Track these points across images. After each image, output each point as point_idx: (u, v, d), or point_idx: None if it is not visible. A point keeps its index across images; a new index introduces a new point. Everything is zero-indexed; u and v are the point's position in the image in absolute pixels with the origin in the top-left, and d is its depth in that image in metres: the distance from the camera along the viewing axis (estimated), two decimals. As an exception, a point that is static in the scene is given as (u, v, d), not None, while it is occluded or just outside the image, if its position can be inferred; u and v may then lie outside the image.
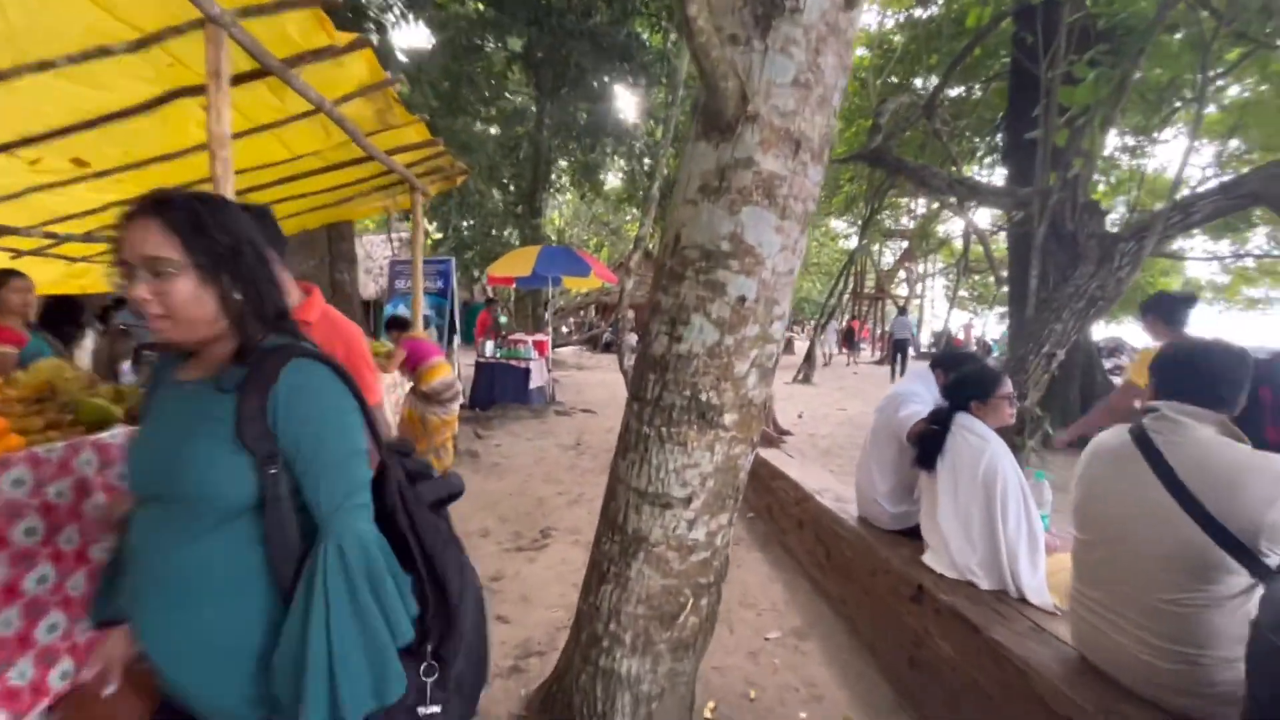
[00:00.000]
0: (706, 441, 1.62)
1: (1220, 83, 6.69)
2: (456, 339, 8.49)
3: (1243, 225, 9.66)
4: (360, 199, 5.60)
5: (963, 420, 2.44)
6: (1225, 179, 5.01)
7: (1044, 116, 5.60)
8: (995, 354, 22.92)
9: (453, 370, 5.23)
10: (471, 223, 11.75)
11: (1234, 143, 8.93)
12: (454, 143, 10.29)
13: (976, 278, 25.40)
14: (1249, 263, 11.88)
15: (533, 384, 8.88)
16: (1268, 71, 6.63)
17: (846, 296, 28.07)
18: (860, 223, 20.73)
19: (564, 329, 31.90)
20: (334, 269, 7.09)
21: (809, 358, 14.11)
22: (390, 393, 4.87)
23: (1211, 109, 9.77)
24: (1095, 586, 1.73)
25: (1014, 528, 2.25)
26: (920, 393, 2.89)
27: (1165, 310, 3.30)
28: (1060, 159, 5.64)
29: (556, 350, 23.01)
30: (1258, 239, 10.62)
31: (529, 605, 3.08)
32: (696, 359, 1.58)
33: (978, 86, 9.74)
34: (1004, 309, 26.24)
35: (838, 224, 26.33)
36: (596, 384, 12.75)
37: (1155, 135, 8.82)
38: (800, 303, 40.61)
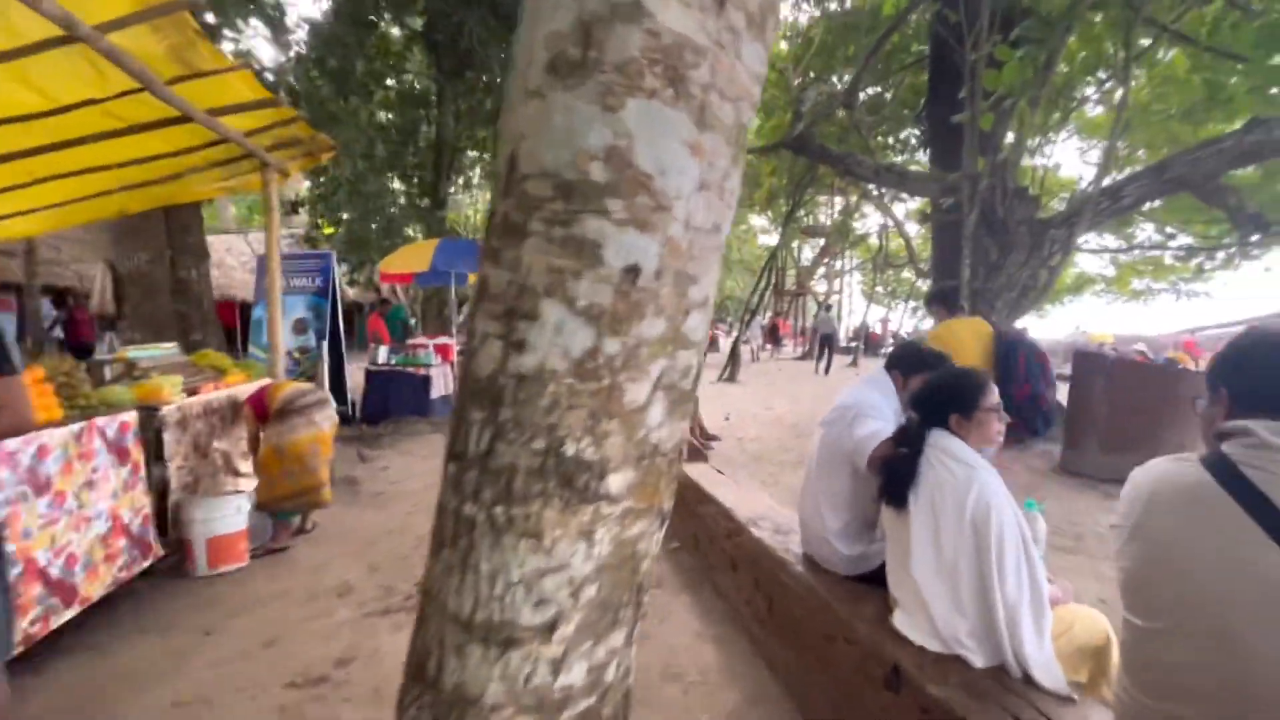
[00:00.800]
0: (579, 525, 0.92)
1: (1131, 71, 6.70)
2: (341, 345, 7.41)
3: (1137, 218, 10.06)
4: (195, 176, 4.52)
5: (940, 440, 1.88)
6: (1152, 164, 4.85)
7: (969, 100, 5.29)
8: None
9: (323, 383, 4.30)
10: (364, 216, 10.52)
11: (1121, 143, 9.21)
12: (344, 125, 9.13)
13: (890, 273, 26.26)
14: (1136, 255, 12.54)
15: (435, 393, 7.91)
16: (1152, 73, 6.75)
17: (769, 293, 28.35)
18: (782, 218, 20.82)
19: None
20: (177, 266, 5.87)
21: (734, 355, 13.78)
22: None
23: (1100, 110, 10.13)
24: (1183, 701, 1.15)
25: (1014, 585, 1.69)
26: (877, 403, 2.32)
27: (947, 299, 3.98)
28: (988, 144, 5.38)
29: None
30: (1146, 232, 11.14)
31: (380, 705, 2.28)
32: (554, 382, 0.88)
33: (893, 80, 9.63)
34: (919, 303, 27.14)
35: (758, 220, 26.50)
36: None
37: (1052, 136, 8.94)
38: (723, 302, 40.94)
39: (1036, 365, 3.38)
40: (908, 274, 25.95)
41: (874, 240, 21.81)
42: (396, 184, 12.81)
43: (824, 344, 15.98)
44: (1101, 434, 5.23)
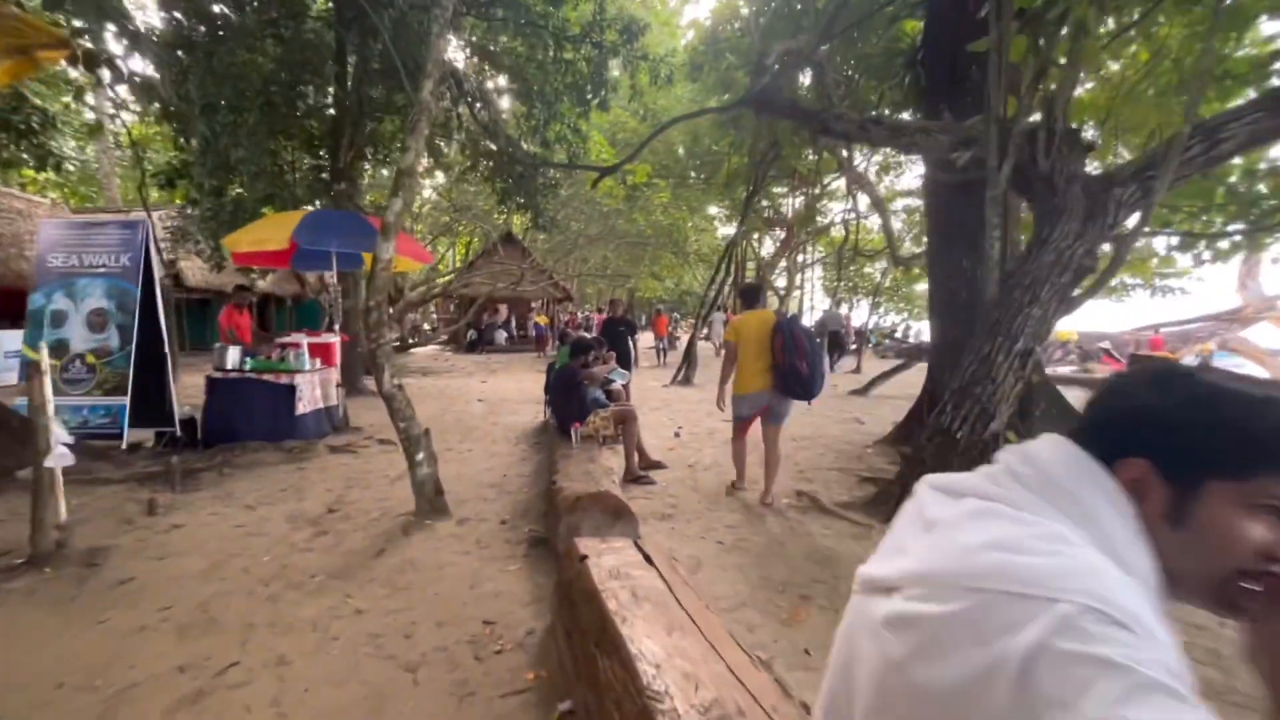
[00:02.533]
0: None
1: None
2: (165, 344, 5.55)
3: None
4: None
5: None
6: (1263, 95, 3.48)
7: (993, 16, 3.84)
8: (872, 344, 22.79)
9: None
10: (232, 187, 8.54)
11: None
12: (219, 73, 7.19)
13: (853, 268, 25.28)
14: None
15: (303, 407, 6.13)
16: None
17: (728, 287, 27.06)
18: (742, 203, 19.53)
19: (426, 326, 28.30)
20: None
21: (690, 355, 12.29)
22: None
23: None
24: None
25: None
26: (1062, 538, 0.76)
27: (749, 296, 4.93)
28: (1014, 82, 3.97)
29: (411, 352, 19.73)
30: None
31: None
32: None
33: (875, 37, 8.22)
34: (877, 297, 26.18)
35: (716, 210, 25.12)
36: (438, 394, 10.07)
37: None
38: (681, 296, 39.62)
39: (791, 343, 4.22)
40: (871, 268, 25.03)
41: (837, 232, 20.68)
42: (304, 157, 10.84)
43: (832, 341, 14.97)
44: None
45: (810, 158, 15.58)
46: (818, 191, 17.51)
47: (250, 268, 12.55)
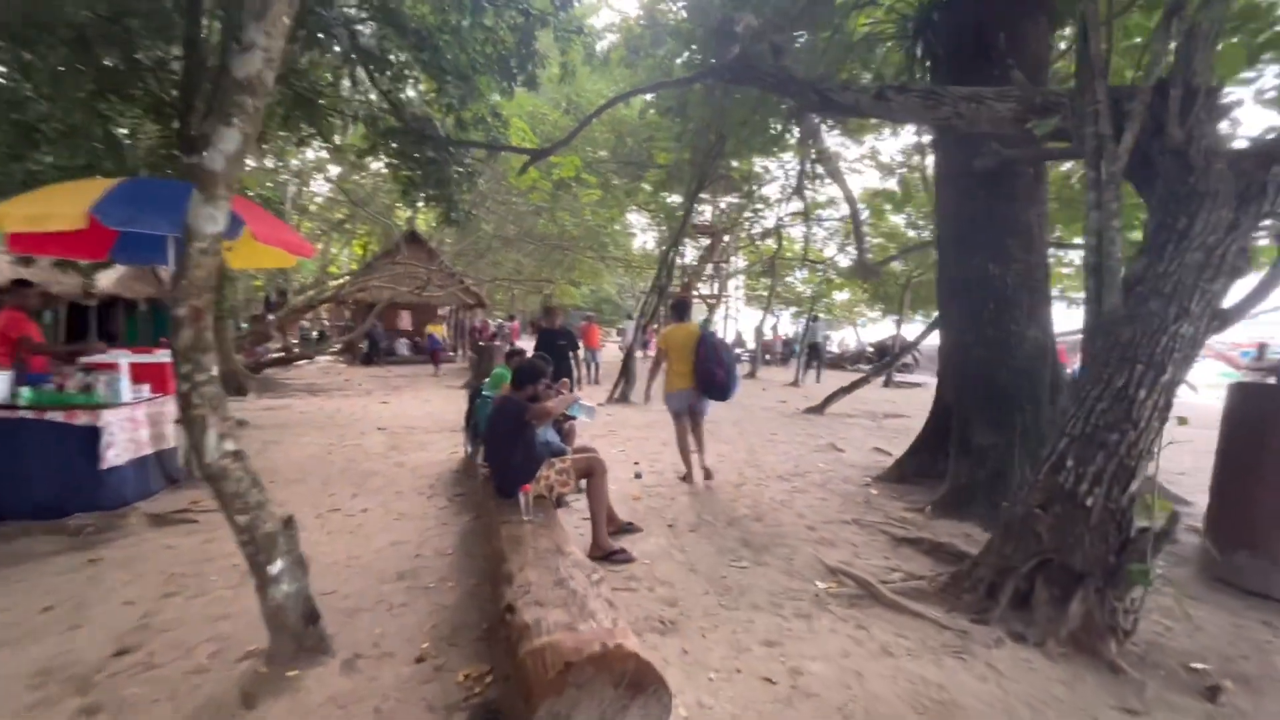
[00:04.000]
0: None
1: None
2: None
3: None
4: None
5: None
6: None
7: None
8: (796, 353, 22.55)
9: None
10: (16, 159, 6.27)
11: None
12: None
13: (763, 279, 25.07)
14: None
15: (114, 457, 4.26)
16: None
17: (654, 296, 26.11)
18: (664, 209, 18.54)
19: (315, 334, 25.10)
20: None
21: (627, 370, 11.01)
22: None
23: None
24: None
25: None
26: None
27: (679, 310, 5.82)
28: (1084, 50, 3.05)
29: (298, 366, 16.89)
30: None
31: None
32: None
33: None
34: (795, 309, 26.11)
35: (636, 218, 24.10)
36: (326, 421, 8.08)
37: None
38: (598, 303, 38.30)
39: (711, 354, 5.06)
40: (793, 278, 24.92)
41: (765, 241, 20.25)
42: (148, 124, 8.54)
43: (811, 353, 16.80)
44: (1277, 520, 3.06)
45: (753, 162, 14.88)
46: (746, 197, 16.87)
47: (72, 260, 9.87)
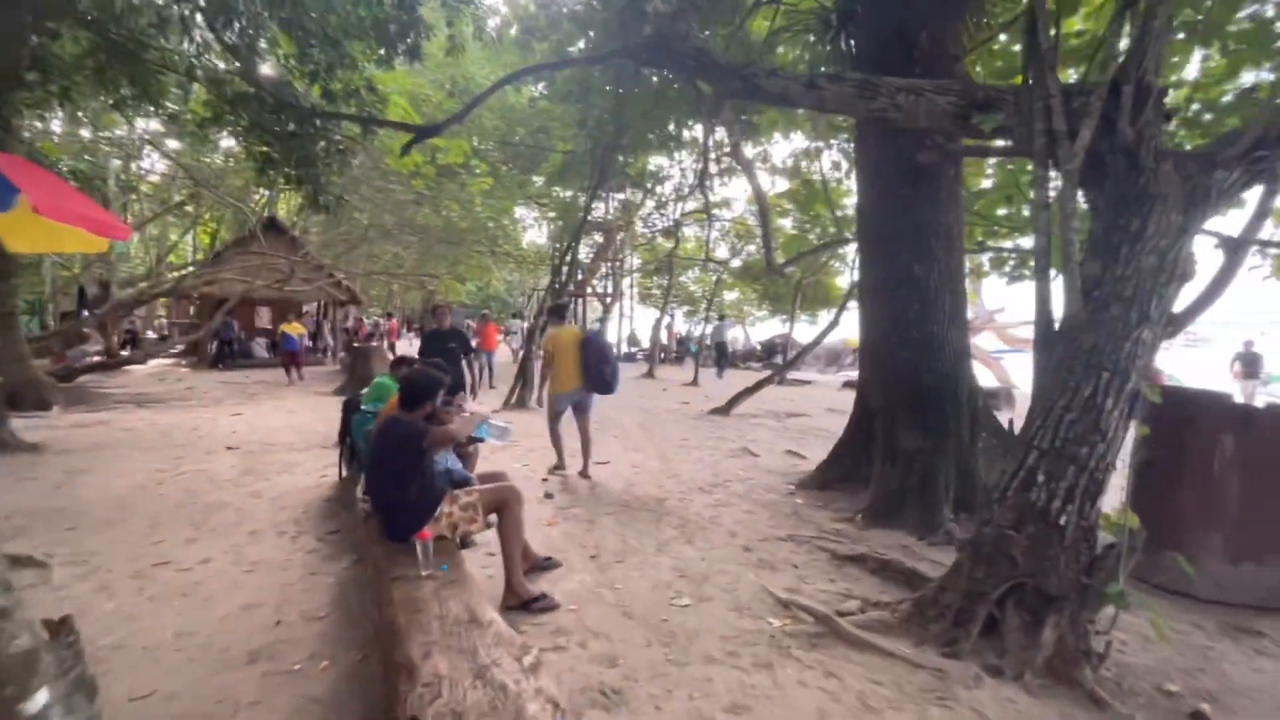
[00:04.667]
0: None
1: None
2: None
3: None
4: None
5: None
6: None
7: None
8: (694, 352, 22.72)
9: None
10: None
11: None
12: None
13: (656, 278, 25.14)
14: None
15: None
16: None
17: (545, 295, 25.10)
18: (559, 205, 17.84)
19: (152, 334, 21.57)
20: None
21: (524, 373, 10.28)
22: None
23: None
24: None
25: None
26: None
27: (559, 313, 6.12)
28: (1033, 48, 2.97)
29: (125, 371, 14.09)
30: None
31: None
32: None
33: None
34: (688, 308, 26.49)
35: (525, 211, 23.14)
36: (158, 440, 6.52)
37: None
38: (486, 300, 36.62)
39: (598, 353, 5.45)
40: (685, 277, 25.16)
41: (662, 241, 20.23)
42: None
43: (719, 352, 17.72)
44: (1231, 530, 3.14)
45: (648, 160, 14.58)
46: (648, 193, 16.64)
47: None
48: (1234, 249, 2.62)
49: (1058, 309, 2.83)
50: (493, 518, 3.13)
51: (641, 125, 9.85)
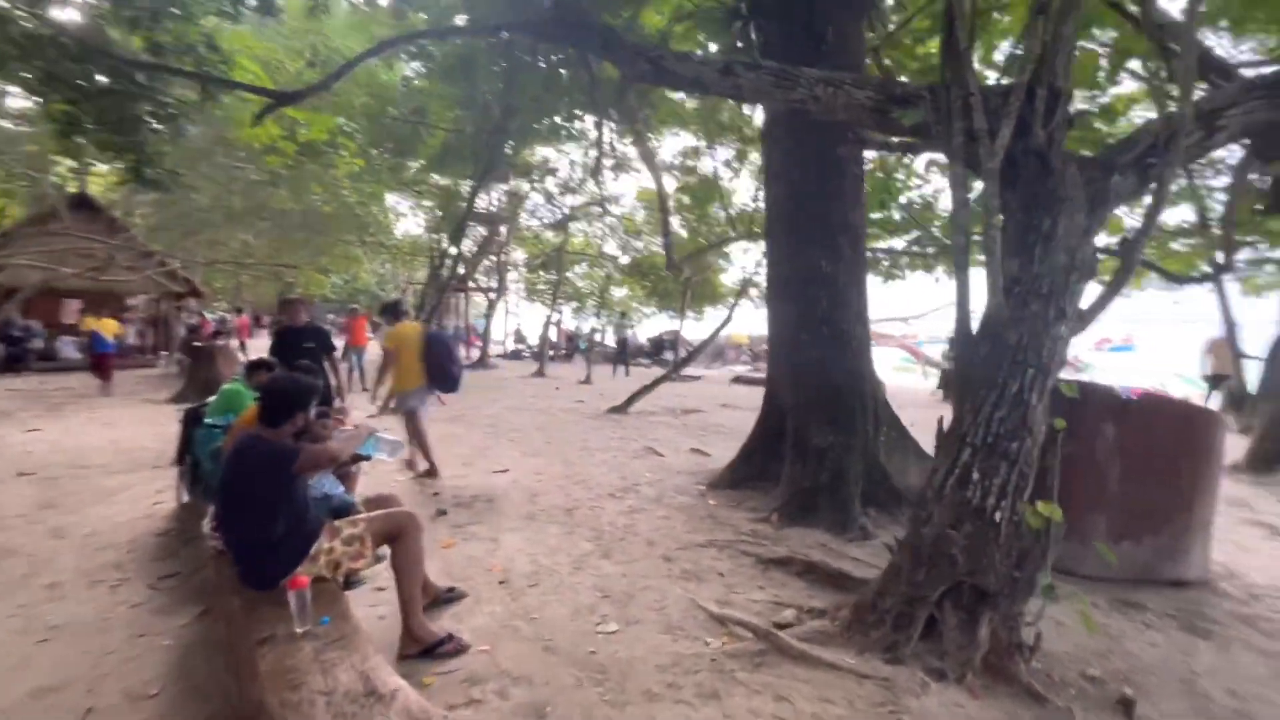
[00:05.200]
0: None
1: None
2: None
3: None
4: None
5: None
6: (1258, 76, 3.09)
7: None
8: (583, 349, 22.32)
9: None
10: None
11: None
12: None
13: (543, 273, 24.54)
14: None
15: None
16: None
17: (421, 289, 23.41)
18: (436, 192, 16.68)
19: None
20: None
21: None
22: None
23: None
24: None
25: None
26: None
27: (394, 311, 5.70)
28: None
29: None
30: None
31: None
32: None
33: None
34: (575, 305, 26.13)
35: (398, 199, 21.51)
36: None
37: None
38: (353, 294, 33.74)
39: (443, 350, 5.41)
40: (573, 273, 24.73)
41: (550, 236, 19.66)
42: None
43: (621, 348, 17.95)
44: (1113, 512, 3.39)
45: (534, 150, 13.93)
46: (537, 183, 16.02)
47: None
48: (1128, 250, 2.78)
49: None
50: (384, 549, 2.64)
51: (532, 110, 9.35)
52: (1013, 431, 2.52)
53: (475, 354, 18.98)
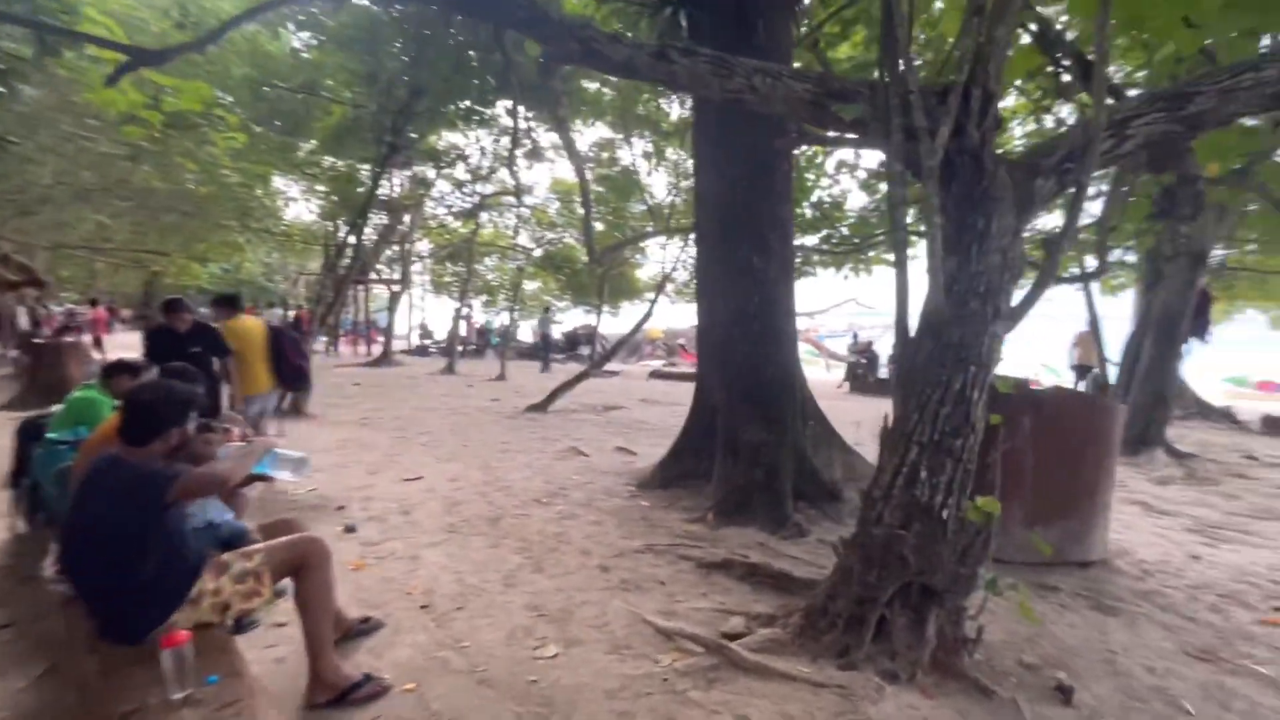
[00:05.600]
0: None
1: None
2: None
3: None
4: None
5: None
6: (1160, 89, 3.28)
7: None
8: (495, 344, 21.52)
9: None
10: None
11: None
12: None
13: (450, 265, 23.52)
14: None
15: None
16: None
17: (312, 279, 21.63)
18: (343, 179, 15.42)
19: None
20: None
21: (300, 375, 8.54)
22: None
23: None
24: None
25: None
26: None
27: (231, 303, 5.14)
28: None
29: None
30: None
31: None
32: None
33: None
34: (486, 298, 25.35)
35: (286, 182, 19.77)
36: None
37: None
38: (236, 285, 30.77)
39: (292, 345, 5.26)
40: (483, 265, 23.82)
41: (458, 226, 18.77)
42: None
43: (544, 343, 17.65)
44: (1029, 499, 3.57)
45: (440, 135, 13.08)
46: (446, 167, 15.18)
47: None
48: (1052, 250, 2.89)
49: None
50: (284, 583, 2.26)
51: (442, 92, 8.78)
52: (957, 429, 2.54)
53: (377, 350, 17.82)
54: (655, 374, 16.49)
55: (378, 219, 19.95)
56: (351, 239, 10.33)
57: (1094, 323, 11.48)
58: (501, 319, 22.91)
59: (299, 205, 21.92)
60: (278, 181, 19.78)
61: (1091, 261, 6.43)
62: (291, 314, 18.44)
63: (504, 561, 3.55)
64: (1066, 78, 5.42)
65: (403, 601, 3.02)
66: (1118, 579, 3.53)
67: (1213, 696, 2.42)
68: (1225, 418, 10.55)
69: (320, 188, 17.78)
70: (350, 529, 3.96)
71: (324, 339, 20.61)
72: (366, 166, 12.02)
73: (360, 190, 13.92)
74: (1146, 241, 6.98)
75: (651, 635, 2.73)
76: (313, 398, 8.55)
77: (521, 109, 9.92)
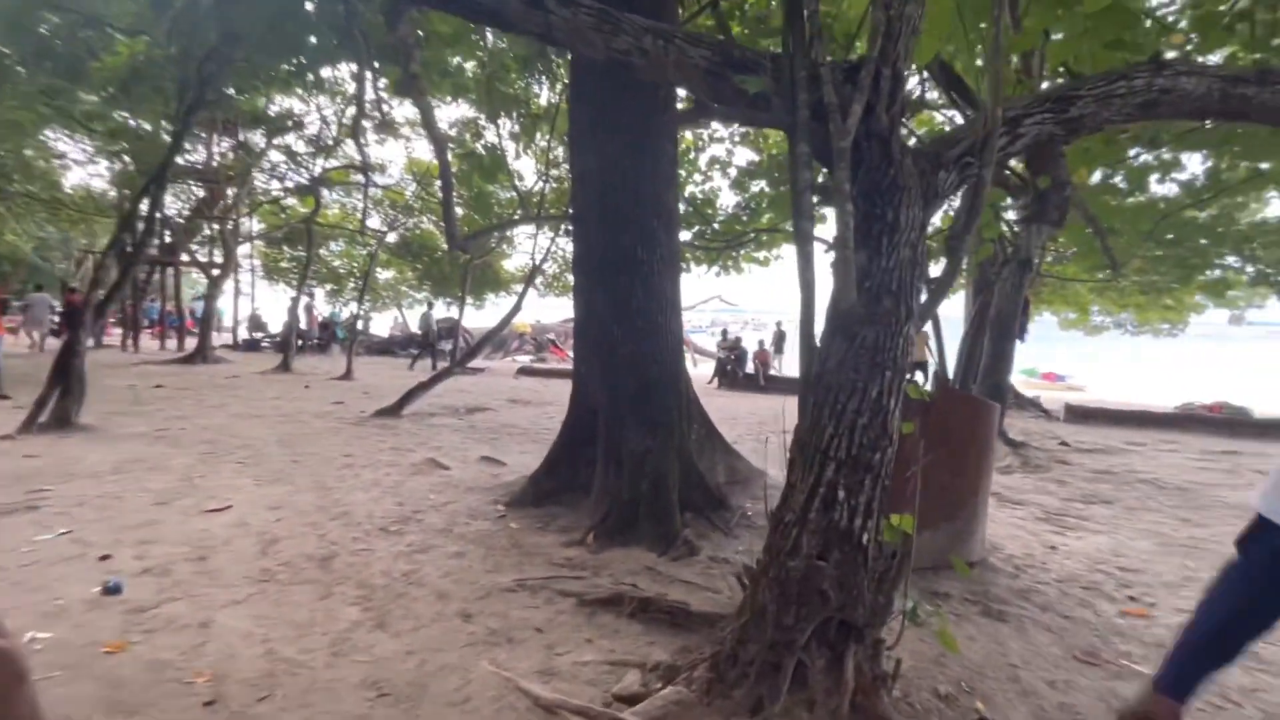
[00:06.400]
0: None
1: None
2: None
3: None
4: None
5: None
6: (1048, 90, 3.24)
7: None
8: (341, 339, 19.25)
9: None
10: None
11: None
12: None
13: (287, 248, 20.86)
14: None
15: None
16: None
17: (107, 256, 17.78)
18: (136, 138, 12.71)
19: None
20: None
21: (65, 372, 6.78)
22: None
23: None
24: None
25: None
26: None
27: None
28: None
29: None
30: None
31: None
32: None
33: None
34: (332, 286, 22.86)
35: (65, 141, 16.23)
36: None
37: None
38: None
39: None
40: (327, 251, 21.34)
41: (295, 204, 16.51)
42: None
43: (424, 342, 16.65)
44: (920, 503, 3.48)
45: (267, 98, 11.18)
46: (275, 135, 13.15)
47: None
48: (955, 247, 2.75)
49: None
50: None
51: (267, 44, 7.37)
52: (875, 441, 2.28)
53: (191, 344, 15.19)
54: (524, 370, 15.69)
55: (194, 190, 17.04)
56: (148, 210, 8.36)
57: (935, 321, 12.60)
58: (349, 310, 20.66)
59: (86, 169, 18.10)
60: (64, 143, 16.21)
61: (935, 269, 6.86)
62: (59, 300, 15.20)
63: (335, 619, 2.79)
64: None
65: (180, 697, 2.19)
66: (998, 578, 3.57)
67: (1108, 704, 2.38)
68: (1034, 406, 12.05)
69: (113, 148, 14.73)
70: (112, 589, 2.94)
71: (119, 330, 17.27)
72: (169, 125, 9.99)
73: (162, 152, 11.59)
74: (986, 250, 7.59)
75: (527, 710, 2.18)
76: (87, 404, 6.84)
77: (369, 75, 8.71)
